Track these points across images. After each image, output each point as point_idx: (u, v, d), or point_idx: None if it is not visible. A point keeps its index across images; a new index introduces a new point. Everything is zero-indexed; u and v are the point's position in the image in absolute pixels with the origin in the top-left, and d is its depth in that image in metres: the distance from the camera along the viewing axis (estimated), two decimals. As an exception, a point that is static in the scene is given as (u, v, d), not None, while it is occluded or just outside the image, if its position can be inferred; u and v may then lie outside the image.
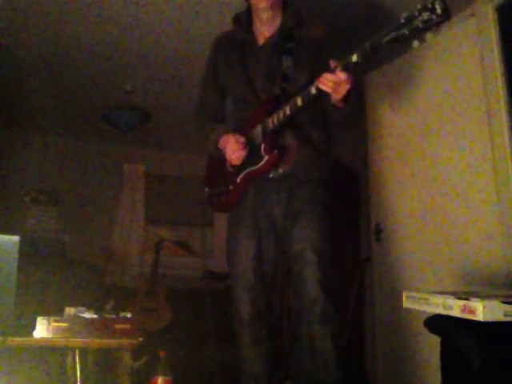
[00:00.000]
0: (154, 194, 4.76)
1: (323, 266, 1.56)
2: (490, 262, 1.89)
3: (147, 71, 3.22)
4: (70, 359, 1.78)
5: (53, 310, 1.63)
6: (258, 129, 1.64)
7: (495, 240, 1.89)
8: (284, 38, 1.68)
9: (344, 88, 1.39)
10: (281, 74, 1.65)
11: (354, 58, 1.31)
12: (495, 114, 1.95)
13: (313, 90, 1.45)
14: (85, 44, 2.86)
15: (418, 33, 1.17)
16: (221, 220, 4.81)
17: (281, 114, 1.56)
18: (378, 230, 2.55)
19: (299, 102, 1.49)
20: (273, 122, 1.59)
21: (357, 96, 1.60)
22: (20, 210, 4.24)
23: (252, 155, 1.66)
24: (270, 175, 1.66)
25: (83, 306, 1.66)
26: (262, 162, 1.62)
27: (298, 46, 1.66)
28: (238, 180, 1.71)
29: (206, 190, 1.90)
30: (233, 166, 1.72)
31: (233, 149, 1.65)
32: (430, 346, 1.90)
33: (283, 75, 1.65)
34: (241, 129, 1.72)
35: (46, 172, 4.42)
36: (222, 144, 1.72)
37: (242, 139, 1.65)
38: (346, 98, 1.47)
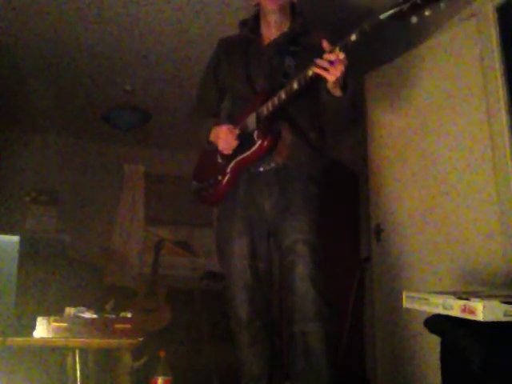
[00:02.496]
0: (154, 194, 4.77)
1: (315, 260, 1.53)
2: (490, 261, 1.89)
3: (147, 71, 3.22)
4: (69, 359, 1.78)
5: (53, 310, 1.63)
6: (252, 117, 1.62)
7: (495, 240, 1.89)
8: (289, 41, 1.69)
9: (339, 69, 1.36)
10: (282, 72, 1.64)
11: (353, 37, 1.31)
12: (495, 113, 1.95)
13: (309, 73, 1.43)
14: (85, 44, 2.86)
15: (417, 9, 1.17)
16: (221, 220, 4.81)
17: (275, 100, 1.54)
18: (378, 230, 2.55)
19: (295, 85, 1.48)
20: (267, 108, 1.57)
21: (355, 95, 1.56)
22: (20, 210, 4.25)
23: (244, 143, 1.62)
24: (261, 169, 1.64)
25: (83, 306, 1.66)
26: (255, 147, 1.59)
27: (302, 51, 1.65)
28: (229, 169, 1.68)
29: (194, 183, 1.86)
30: (223, 157, 1.70)
31: (225, 138, 1.63)
32: (430, 346, 1.90)
33: (284, 73, 1.64)
34: (234, 120, 1.71)
35: (45, 172, 4.43)
36: (213, 136, 1.70)
37: (235, 129, 1.63)
38: (343, 86, 1.45)
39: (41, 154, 4.45)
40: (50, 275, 2.33)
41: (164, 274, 4.03)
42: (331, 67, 1.36)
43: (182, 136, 4.44)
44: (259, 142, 1.58)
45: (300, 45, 1.67)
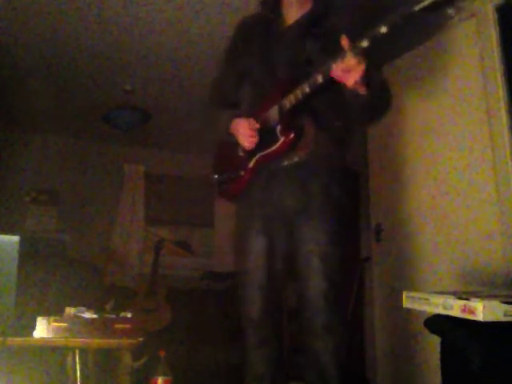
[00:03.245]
0: (154, 193, 4.77)
1: (330, 274, 1.47)
2: (490, 261, 1.89)
3: (147, 71, 3.22)
4: (70, 359, 1.78)
5: (53, 310, 1.63)
6: (274, 110, 1.52)
7: (495, 240, 1.89)
8: (312, 22, 1.56)
9: (357, 74, 1.27)
10: (304, 58, 1.53)
11: (383, 29, 1.20)
12: (495, 113, 1.95)
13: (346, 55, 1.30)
14: (85, 44, 2.86)
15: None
16: (221, 220, 4.82)
17: (299, 93, 1.44)
18: (378, 230, 2.55)
19: (320, 78, 1.37)
20: (290, 101, 1.47)
21: (383, 85, 1.45)
22: (20, 210, 4.24)
23: (266, 138, 1.54)
24: (285, 163, 1.55)
25: (83, 306, 1.66)
26: (278, 144, 1.51)
27: (326, 33, 1.52)
28: (251, 165, 1.60)
29: (216, 176, 1.77)
30: (245, 151, 1.61)
31: (245, 133, 1.55)
32: (430, 346, 1.90)
33: (307, 59, 1.52)
34: (254, 112, 1.60)
35: (45, 172, 4.43)
36: (233, 128, 1.61)
37: (256, 123, 1.54)
38: (368, 82, 1.32)
39: (41, 153, 4.45)
40: (50, 275, 2.32)
41: (164, 274, 4.02)
42: (348, 73, 1.28)
43: (181, 136, 4.44)
44: (282, 139, 1.50)
45: (323, 27, 1.54)
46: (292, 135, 1.49)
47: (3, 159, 4.14)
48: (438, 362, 1.36)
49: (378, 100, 1.43)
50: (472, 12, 2.11)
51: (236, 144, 1.63)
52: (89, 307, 1.67)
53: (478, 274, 1.94)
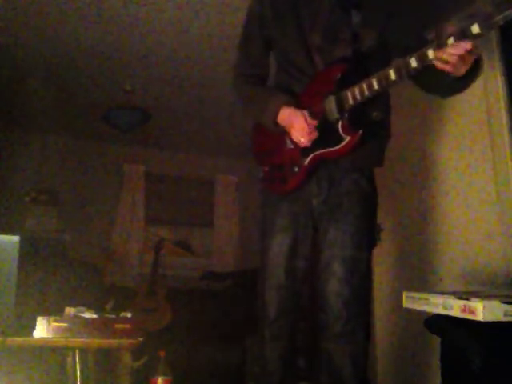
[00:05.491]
0: (154, 193, 4.77)
1: (351, 279, 1.40)
2: (490, 261, 1.89)
3: (147, 71, 3.23)
4: (70, 359, 1.78)
5: (53, 310, 1.63)
6: (331, 102, 1.35)
7: (495, 240, 1.89)
8: None
9: (468, 62, 1.11)
10: (350, 33, 1.36)
11: (499, 19, 0.99)
12: (495, 114, 1.95)
13: (429, 54, 1.11)
14: (85, 44, 2.86)
15: None
16: (221, 220, 4.82)
17: (365, 89, 1.26)
18: (378, 230, 2.55)
19: (393, 75, 1.18)
20: (354, 96, 1.29)
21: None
22: (20, 210, 4.24)
23: (323, 134, 1.38)
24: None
25: (83, 305, 1.66)
26: (343, 144, 1.35)
27: (365, 1, 1.36)
28: (307, 162, 1.44)
29: (266, 169, 1.60)
30: (296, 145, 1.46)
31: (302, 129, 1.37)
32: (430, 346, 1.90)
33: (353, 34, 1.35)
34: (300, 98, 1.45)
35: (45, 172, 4.43)
36: (283, 119, 1.44)
37: (313, 119, 1.37)
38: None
39: (41, 154, 4.45)
40: (50, 275, 2.33)
41: (164, 274, 4.03)
42: (448, 64, 1.09)
43: (182, 136, 4.45)
44: (348, 140, 1.34)
45: None
46: (359, 135, 1.33)
47: (3, 159, 4.14)
48: (438, 362, 1.36)
49: (470, 80, 1.22)
50: (472, 12, 2.10)
51: (282, 133, 1.50)
52: (89, 307, 1.67)
53: (478, 274, 1.94)
